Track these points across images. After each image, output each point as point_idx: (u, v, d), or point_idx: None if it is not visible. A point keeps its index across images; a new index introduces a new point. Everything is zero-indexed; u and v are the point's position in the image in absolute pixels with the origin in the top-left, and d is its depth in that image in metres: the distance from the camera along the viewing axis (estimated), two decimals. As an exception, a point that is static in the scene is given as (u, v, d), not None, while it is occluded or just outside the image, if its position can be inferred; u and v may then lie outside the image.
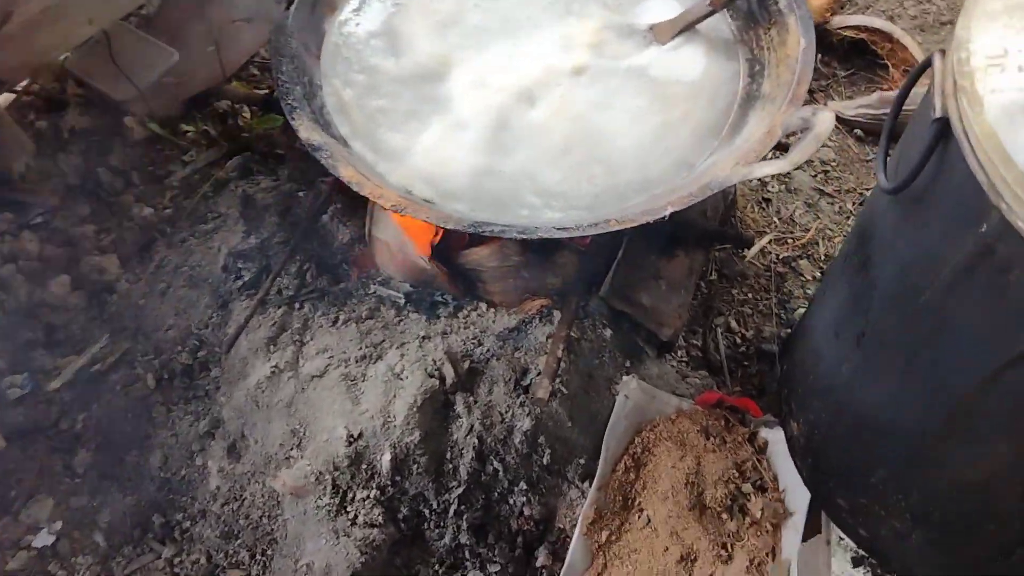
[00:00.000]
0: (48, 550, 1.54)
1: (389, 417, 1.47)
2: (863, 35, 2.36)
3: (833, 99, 2.36)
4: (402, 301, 1.66)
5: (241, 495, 1.54)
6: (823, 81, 2.41)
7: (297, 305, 1.64)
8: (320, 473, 1.45)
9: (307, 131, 1.45)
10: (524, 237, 1.34)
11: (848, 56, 2.42)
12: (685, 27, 1.71)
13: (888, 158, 1.00)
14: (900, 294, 1.02)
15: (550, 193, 1.50)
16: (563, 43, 1.70)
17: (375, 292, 1.66)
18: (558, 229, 1.35)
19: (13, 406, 1.67)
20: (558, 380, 1.58)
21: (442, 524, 1.50)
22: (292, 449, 1.50)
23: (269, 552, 1.49)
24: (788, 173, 2.23)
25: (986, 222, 0.81)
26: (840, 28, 2.39)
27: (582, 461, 1.61)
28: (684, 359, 1.88)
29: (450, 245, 1.73)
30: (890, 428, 1.14)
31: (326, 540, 1.41)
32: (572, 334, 1.63)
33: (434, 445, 1.50)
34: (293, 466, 1.48)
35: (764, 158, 1.35)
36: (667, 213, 1.35)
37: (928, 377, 1.01)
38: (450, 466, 1.51)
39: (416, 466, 1.48)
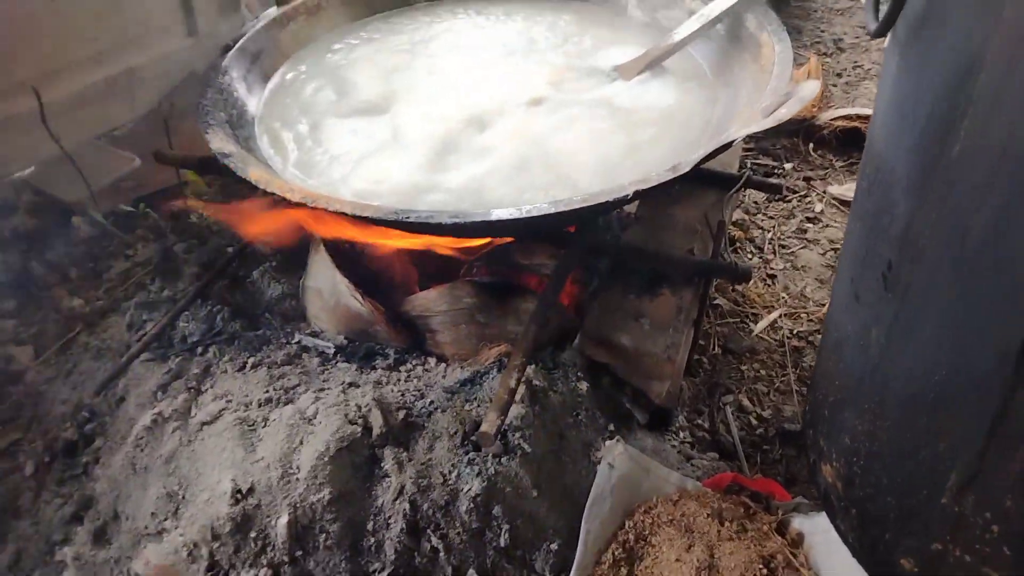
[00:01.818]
0: None
1: (291, 468, 1.12)
2: (856, 123, 2.25)
3: (832, 185, 2.20)
4: (331, 350, 1.37)
5: (98, 594, 1.16)
6: (820, 171, 2.26)
7: (199, 351, 1.36)
8: (195, 545, 1.09)
9: (220, 142, 1.30)
10: (455, 221, 1.10)
11: (843, 147, 2.29)
12: (650, 63, 1.59)
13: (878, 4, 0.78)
14: (922, 163, 0.75)
15: (501, 205, 1.29)
16: (520, 82, 1.58)
17: (299, 341, 1.38)
18: (497, 212, 1.12)
19: None
20: (519, 434, 1.24)
21: (358, 625, 1.09)
22: (166, 518, 1.15)
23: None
24: (793, 251, 2.00)
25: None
26: (831, 120, 2.29)
27: (554, 547, 1.22)
28: (688, 440, 1.52)
29: (394, 292, 1.48)
30: (952, 395, 0.80)
31: (189, 640, 1.01)
32: (538, 383, 1.31)
33: (351, 510, 1.13)
34: (163, 540, 1.12)
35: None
36: (629, 192, 1.12)
37: (993, 286, 0.71)
38: (372, 540, 1.13)
39: (324, 537, 1.10)
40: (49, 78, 1.98)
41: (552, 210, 1.11)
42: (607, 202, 1.12)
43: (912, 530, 0.95)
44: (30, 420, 1.54)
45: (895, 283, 0.84)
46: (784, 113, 1.12)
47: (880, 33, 0.76)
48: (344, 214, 1.14)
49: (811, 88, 1.17)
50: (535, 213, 1.11)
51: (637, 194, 1.13)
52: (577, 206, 1.11)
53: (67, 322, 1.79)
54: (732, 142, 1.13)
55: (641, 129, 1.45)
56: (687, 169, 1.14)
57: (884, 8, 0.77)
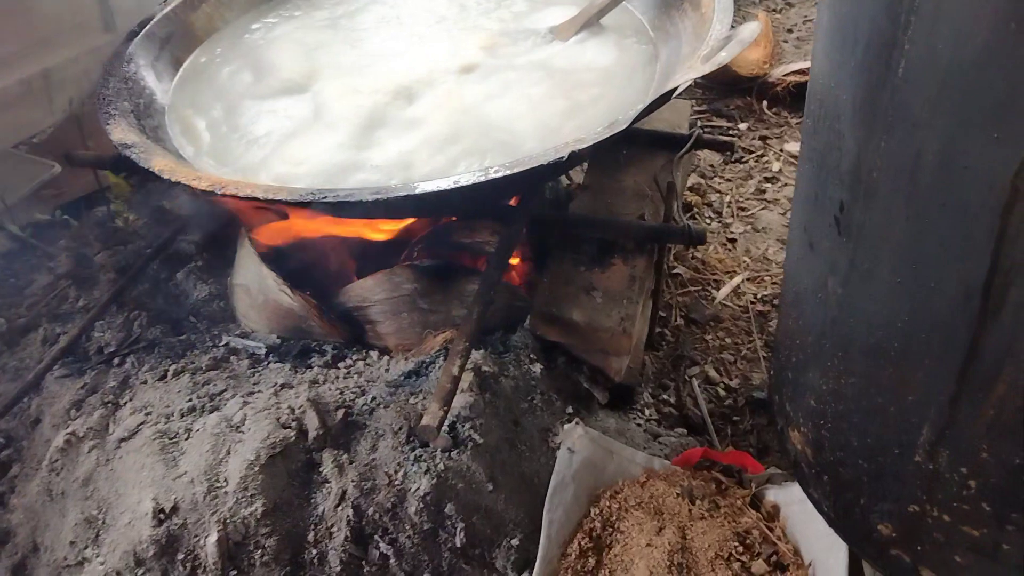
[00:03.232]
0: None
1: (217, 481, 1.03)
2: (809, 77, 2.17)
3: (789, 143, 2.13)
4: (263, 351, 1.27)
5: (18, 637, 1.05)
6: (775, 129, 2.20)
7: (116, 361, 1.25)
8: (117, 574, 0.99)
9: (121, 133, 1.20)
10: (377, 198, 1.01)
11: (797, 103, 2.22)
12: (587, 22, 1.50)
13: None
14: (868, 88, 0.67)
15: (432, 178, 1.19)
16: (451, 50, 1.49)
17: (228, 343, 1.28)
18: (423, 184, 1.02)
19: None
20: (468, 425, 1.16)
21: (304, 646, 1.01)
22: (87, 546, 1.04)
23: None
24: (752, 213, 1.93)
25: None
26: (783, 76, 2.22)
27: (515, 542, 1.14)
28: (654, 417, 1.45)
29: (329, 283, 1.38)
30: (917, 341, 0.73)
31: None
32: (487, 368, 1.23)
33: (288, 521, 1.04)
34: (84, 570, 1.02)
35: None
36: (565, 154, 1.03)
37: (951, 215, 0.63)
38: (314, 552, 1.04)
39: (260, 553, 1.01)
40: (-47, 83, 1.86)
41: (482, 178, 1.02)
42: (542, 166, 1.03)
43: (886, 493, 0.88)
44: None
45: (848, 225, 0.76)
46: (724, 56, 1.04)
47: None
48: (255, 199, 1.04)
49: (751, 29, 1.09)
50: (464, 183, 1.02)
51: (574, 155, 1.04)
52: (508, 172, 1.02)
53: (-15, 347, 1.67)
54: (672, 92, 1.05)
55: (581, 90, 1.37)
56: (626, 125, 1.06)
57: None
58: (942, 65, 0.60)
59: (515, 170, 1.02)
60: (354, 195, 1.02)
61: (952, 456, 0.76)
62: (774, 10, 2.75)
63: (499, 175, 1.02)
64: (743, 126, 2.21)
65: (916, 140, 0.64)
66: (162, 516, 1.01)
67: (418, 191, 1.02)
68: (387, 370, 1.28)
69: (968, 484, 0.76)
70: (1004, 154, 0.57)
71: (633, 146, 1.56)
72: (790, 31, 2.62)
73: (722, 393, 1.53)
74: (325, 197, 1.02)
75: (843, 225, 0.77)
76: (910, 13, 0.60)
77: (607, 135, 1.06)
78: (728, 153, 1.98)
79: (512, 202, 1.40)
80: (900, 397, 0.79)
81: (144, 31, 1.47)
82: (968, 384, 0.69)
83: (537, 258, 1.48)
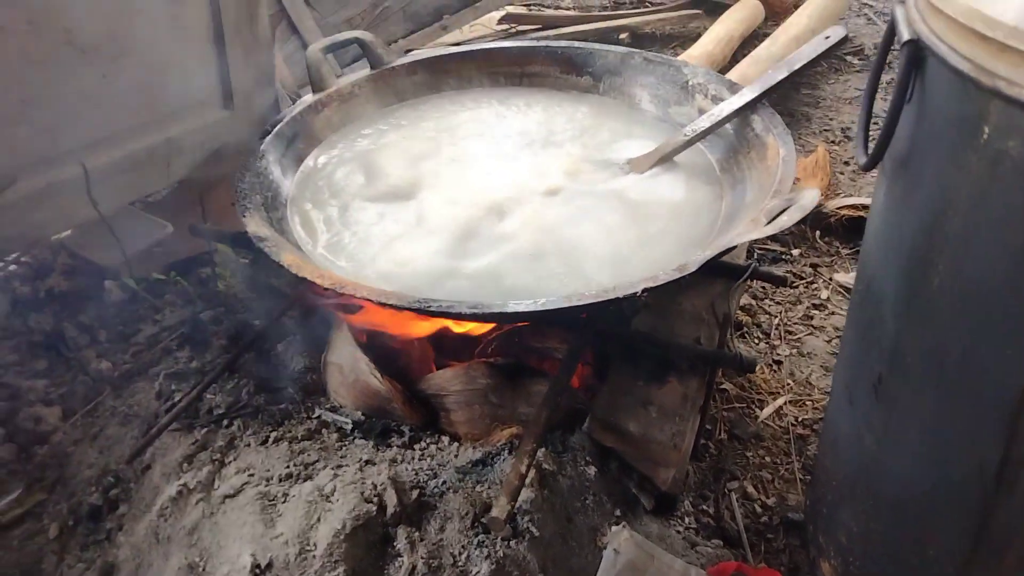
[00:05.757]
0: None
1: (308, 544, 1.17)
2: (861, 212, 2.32)
3: (839, 272, 2.26)
4: (349, 426, 1.43)
5: (114, 667, 1.19)
6: (826, 258, 2.33)
7: (225, 423, 1.42)
8: (212, 619, 1.13)
9: (255, 226, 1.39)
10: (473, 312, 1.17)
11: (849, 235, 2.36)
12: (662, 158, 1.68)
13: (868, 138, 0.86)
14: (908, 288, 0.81)
15: (516, 294, 1.36)
16: (538, 171, 1.67)
17: (319, 416, 1.44)
18: (513, 303, 1.19)
19: None
20: (527, 518, 1.28)
21: None
22: (185, 590, 1.19)
23: None
24: (799, 338, 2.05)
25: (986, 123, 0.65)
26: (837, 208, 2.37)
27: (559, 632, 1.25)
28: (693, 526, 1.55)
29: (411, 370, 1.54)
30: (937, 506, 0.84)
31: None
32: (548, 466, 1.36)
33: (363, 588, 1.17)
34: (181, 612, 1.16)
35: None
36: (639, 289, 1.19)
37: (969, 407, 0.76)
38: (382, 620, 1.17)
39: (337, 615, 1.14)
40: (94, 147, 2.08)
41: (565, 304, 1.18)
42: (618, 298, 1.18)
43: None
44: (55, 482, 1.59)
45: (885, 395, 0.89)
46: (785, 221, 1.19)
47: (868, 168, 0.83)
48: (369, 300, 1.21)
49: (811, 197, 1.25)
50: (549, 307, 1.18)
51: (646, 290, 1.19)
52: (589, 301, 1.18)
53: (95, 384, 1.86)
54: (734, 247, 1.20)
55: (651, 222, 1.53)
56: (694, 269, 1.21)
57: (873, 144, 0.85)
58: (967, 284, 0.74)
59: (595, 300, 1.18)
60: (455, 307, 1.18)
61: (966, 608, 0.87)
62: (832, 142, 2.92)
63: (580, 303, 1.18)
64: (796, 252, 2.35)
65: (944, 338, 0.77)
66: (257, 571, 1.15)
67: (508, 310, 1.18)
68: (456, 456, 1.41)
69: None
70: (1014, 366, 0.70)
71: (694, 272, 1.70)
72: (846, 163, 2.78)
73: (758, 510, 1.63)
74: (429, 306, 1.19)
75: (880, 392, 0.90)
76: (943, 242, 0.75)
77: (676, 276, 1.21)
78: (781, 286, 2.11)
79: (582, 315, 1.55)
80: (921, 550, 0.90)
81: (275, 130, 1.69)
82: (981, 550, 0.80)
83: (597, 365, 1.62)
